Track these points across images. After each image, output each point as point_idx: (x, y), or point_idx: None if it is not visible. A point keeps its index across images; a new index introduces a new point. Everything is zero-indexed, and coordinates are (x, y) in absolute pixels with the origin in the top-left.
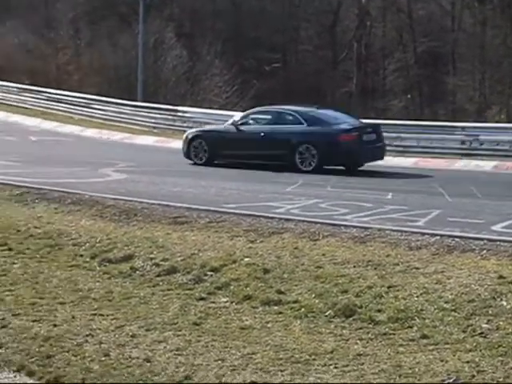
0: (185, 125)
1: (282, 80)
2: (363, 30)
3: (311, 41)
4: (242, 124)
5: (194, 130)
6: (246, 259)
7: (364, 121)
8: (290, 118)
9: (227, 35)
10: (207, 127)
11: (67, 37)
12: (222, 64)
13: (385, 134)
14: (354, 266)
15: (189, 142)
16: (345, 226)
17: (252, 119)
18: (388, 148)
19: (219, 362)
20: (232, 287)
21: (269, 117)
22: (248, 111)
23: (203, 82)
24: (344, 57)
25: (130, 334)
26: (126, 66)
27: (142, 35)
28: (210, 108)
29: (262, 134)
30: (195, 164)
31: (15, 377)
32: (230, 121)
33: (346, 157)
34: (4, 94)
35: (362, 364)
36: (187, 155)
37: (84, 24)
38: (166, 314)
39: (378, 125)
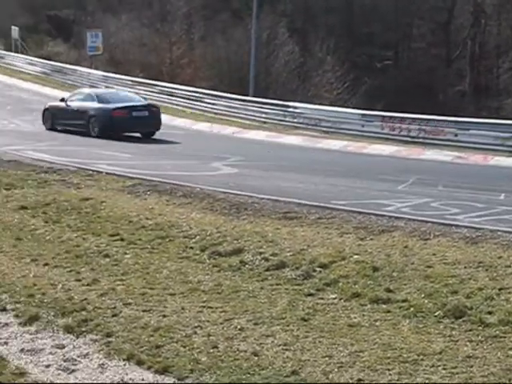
0: (295, 120)
1: (394, 77)
2: (478, 28)
3: (424, 38)
4: (70, 101)
5: (48, 103)
6: (356, 256)
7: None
8: (90, 97)
9: (340, 31)
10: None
11: (181, 31)
12: (333, 60)
13: (496, 134)
14: (465, 267)
15: (43, 112)
16: (456, 225)
17: (76, 98)
18: (500, 148)
19: (326, 358)
20: (341, 284)
21: (82, 96)
22: (74, 91)
23: (314, 78)
24: (457, 55)
25: (239, 327)
26: (238, 60)
27: (254, 30)
28: (321, 104)
29: (76, 108)
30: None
31: (125, 365)
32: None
33: (117, 127)
34: (118, 87)
35: (471, 366)
36: (42, 122)
37: (198, 18)
38: (274, 308)
39: (153, 105)
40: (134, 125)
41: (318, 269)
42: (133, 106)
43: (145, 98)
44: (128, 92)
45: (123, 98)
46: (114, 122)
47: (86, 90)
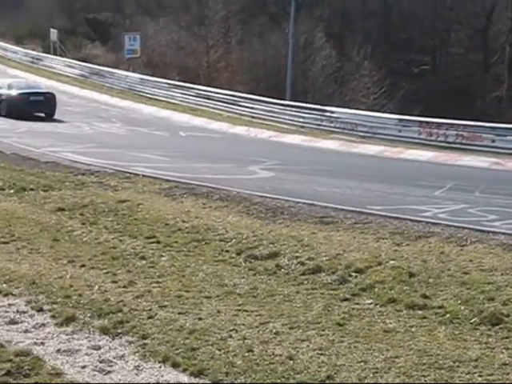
0: (332, 125)
1: (431, 83)
2: None
3: (462, 44)
4: None
5: None
6: (392, 262)
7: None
8: (4, 85)
9: (377, 36)
10: None
11: (218, 34)
12: (370, 65)
13: None
14: (502, 274)
15: None
16: (493, 232)
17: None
18: None
19: (362, 363)
20: (376, 289)
21: (1, 85)
22: None
23: (351, 83)
24: (495, 61)
25: (274, 331)
26: (274, 64)
27: (292, 35)
28: (358, 109)
29: None
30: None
31: (160, 367)
32: None
33: (18, 108)
34: (155, 90)
35: (508, 374)
36: None
37: (235, 22)
38: (309, 312)
39: (50, 93)
40: (32, 107)
41: (353, 274)
42: (31, 93)
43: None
44: (37, 82)
45: (27, 86)
46: (16, 104)
47: (6, 81)
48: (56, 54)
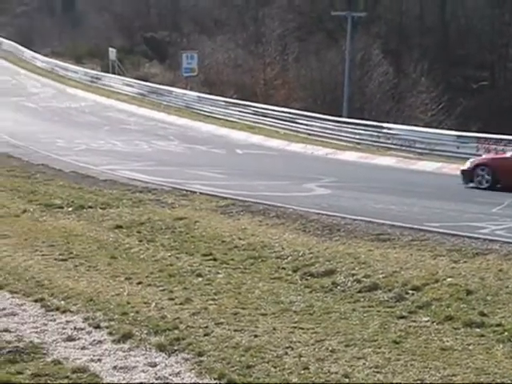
0: (389, 141)
1: (489, 98)
2: None
3: None
4: None
5: None
6: (449, 279)
7: None
8: None
9: (434, 53)
10: None
11: (275, 52)
12: (428, 81)
13: None
14: None
15: None
16: None
17: None
18: None
19: (418, 382)
20: (433, 307)
21: None
22: None
23: (408, 99)
24: None
25: (330, 348)
26: (331, 81)
27: (349, 52)
28: (415, 125)
29: None
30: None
31: None
32: None
33: None
34: (212, 108)
35: None
36: None
37: (292, 40)
38: (365, 330)
39: None
40: None
41: (410, 291)
42: None
43: None
44: None
45: None
46: None
47: None
48: (114, 73)
